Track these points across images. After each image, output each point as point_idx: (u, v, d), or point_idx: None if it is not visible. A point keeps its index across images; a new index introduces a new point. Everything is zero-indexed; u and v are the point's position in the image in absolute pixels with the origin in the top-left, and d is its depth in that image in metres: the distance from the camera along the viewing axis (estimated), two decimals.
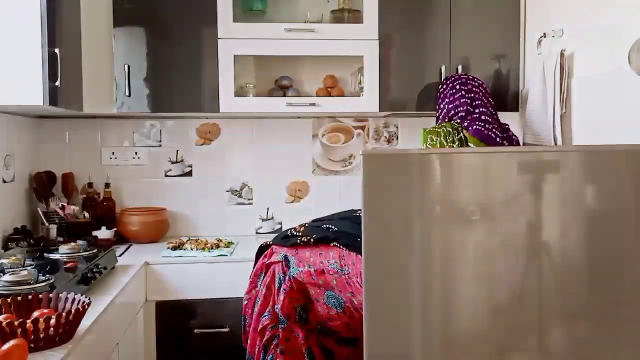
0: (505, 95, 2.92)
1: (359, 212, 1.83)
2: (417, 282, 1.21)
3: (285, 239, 1.90)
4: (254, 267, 2.04)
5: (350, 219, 1.82)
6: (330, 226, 1.85)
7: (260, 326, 1.81)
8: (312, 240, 1.80)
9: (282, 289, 1.80)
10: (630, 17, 2.11)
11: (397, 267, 1.22)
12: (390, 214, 1.22)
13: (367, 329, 1.23)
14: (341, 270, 1.69)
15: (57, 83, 2.18)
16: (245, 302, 2.00)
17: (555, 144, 2.46)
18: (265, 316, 1.82)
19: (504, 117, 3.11)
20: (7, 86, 2.12)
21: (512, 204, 1.22)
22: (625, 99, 2.14)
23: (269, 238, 3.13)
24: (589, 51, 2.37)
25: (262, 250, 2.05)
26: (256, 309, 1.86)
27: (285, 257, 1.84)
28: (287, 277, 1.81)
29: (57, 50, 2.16)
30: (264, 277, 1.92)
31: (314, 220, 2.02)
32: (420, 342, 1.22)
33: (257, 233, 3.15)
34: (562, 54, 2.46)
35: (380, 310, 1.23)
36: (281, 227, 3.17)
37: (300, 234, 1.87)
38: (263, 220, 3.16)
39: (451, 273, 1.23)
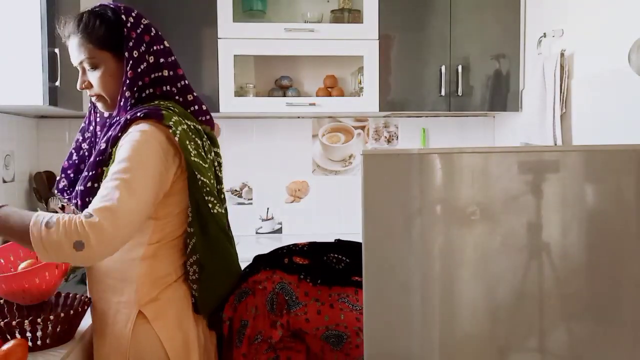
0: (506, 95, 2.92)
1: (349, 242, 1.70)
2: (417, 282, 1.21)
3: (286, 268, 1.63)
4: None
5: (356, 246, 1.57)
6: (339, 256, 1.62)
7: (254, 352, 1.57)
8: (319, 282, 1.58)
9: (278, 323, 1.58)
10: (630, 17, 2.11)
11: (397, 267, 1.22)
12: (390, 214, 1.22)
13: (367, 329, 1.23)
14: (353, 305, 1.52)
15: (57, 83, 2.18)
16: (225, 323, 1.64)
17: (555, 144, 2.46)
18: (257, 340, 1.58)
19: (504, 117, 3.12)
20: (7, 86, 2.11)
21: (512, 204, 1.22)
22: (625, 99, 2.15)
23: (269, 238, 3.19)
24: (589, 51, 2.38)
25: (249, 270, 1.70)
26: (245, 332, 1.58)
27: (283, 286, 1.60)
28: (284, 312, 1.57)
29: (57, 50, 2.16)
30: (246, 297, 1.63)
31: (314, 244, 1.71)
32: (420, 342, 1.22)
33: (257, 233, 3.15)
34: (562, 54, 2.46)
35: (380, 310, 1.23)
36: (281, 227, 3.17)
37: (306, 267, 1.61)
38: (263, 220, 3.16)
39: (451, 273, 1.23)
